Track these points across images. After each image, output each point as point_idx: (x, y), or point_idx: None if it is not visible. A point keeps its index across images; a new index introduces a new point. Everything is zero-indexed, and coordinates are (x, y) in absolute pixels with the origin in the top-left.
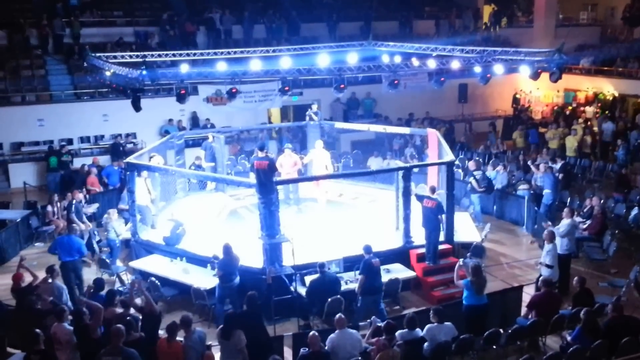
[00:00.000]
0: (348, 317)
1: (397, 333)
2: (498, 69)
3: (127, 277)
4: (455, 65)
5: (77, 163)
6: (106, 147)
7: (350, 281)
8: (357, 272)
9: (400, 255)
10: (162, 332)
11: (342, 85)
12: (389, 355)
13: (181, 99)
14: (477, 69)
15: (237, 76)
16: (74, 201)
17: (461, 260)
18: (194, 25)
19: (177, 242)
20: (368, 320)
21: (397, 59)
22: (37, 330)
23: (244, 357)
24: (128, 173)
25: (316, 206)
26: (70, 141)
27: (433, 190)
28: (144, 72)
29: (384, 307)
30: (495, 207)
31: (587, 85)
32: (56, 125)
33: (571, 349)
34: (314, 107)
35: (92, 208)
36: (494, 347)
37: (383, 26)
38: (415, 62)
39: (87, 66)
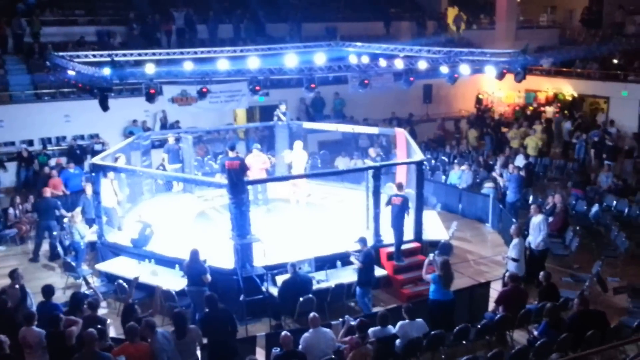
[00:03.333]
0: (320, 316)
1: (370, 330)
2: (464, 69)
3: (93, 280)
4: (422, 65)
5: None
6: (65, 148)
7: (322, 280)
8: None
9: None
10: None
11: (312, 85)
12: (362, 352)
13: (150, 98)
14: (444, 69)
15: (208, 75)
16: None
17: (431, 255)
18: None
19: (145, 243)
20: (340, 320)
21: (365, 60)
22: (1, 336)
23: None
24: (93, 174)
25: (287, 206)
26: (30, 142)
27: (400, 186)
28: (110, 71)
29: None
30: (461, 206)
31: (547, 86)
32: (16, 126)
33: (538, 342)
34: (282, 107)
35: None
36: (464, 342)
37: (349, 27)
38: (383, 62)
39: (50, 66)
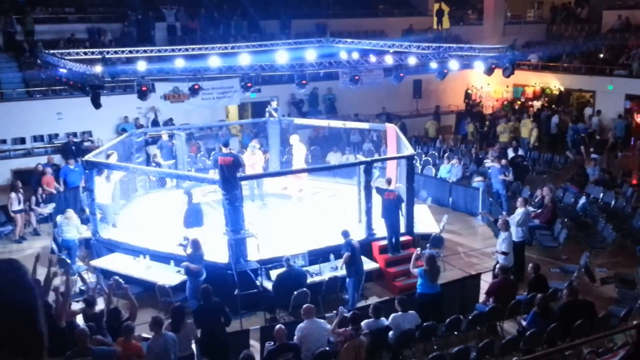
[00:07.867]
0: (315, 309)
1: (363, 322)
2: (454, 65)
3: (89, 276)
4: (412, 61)
5: (32, 162)
6: (59, 146)
7: (316, 274)
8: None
9: (363, 248)
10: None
11: (303, 81)
12: (356, 344)
13: (142, 95)
14: (434, 65)
15: (200, 72)
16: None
17: (418, 249)
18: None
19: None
20: (335, 312)
21: (355, 56)
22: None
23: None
24: (87, 171)
25: (280, 201)
26: (23, 140)
27: (389, 182)
28: (102, 68)
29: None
30: (451, 199)
31: (534, 81)
32: (8, 124)
33: (528, 332)
34: (274, 103)
35: (49, 208)
36: (455, 333)
37: (339, 24)
38: (373, 58)
39: (41, 63)
